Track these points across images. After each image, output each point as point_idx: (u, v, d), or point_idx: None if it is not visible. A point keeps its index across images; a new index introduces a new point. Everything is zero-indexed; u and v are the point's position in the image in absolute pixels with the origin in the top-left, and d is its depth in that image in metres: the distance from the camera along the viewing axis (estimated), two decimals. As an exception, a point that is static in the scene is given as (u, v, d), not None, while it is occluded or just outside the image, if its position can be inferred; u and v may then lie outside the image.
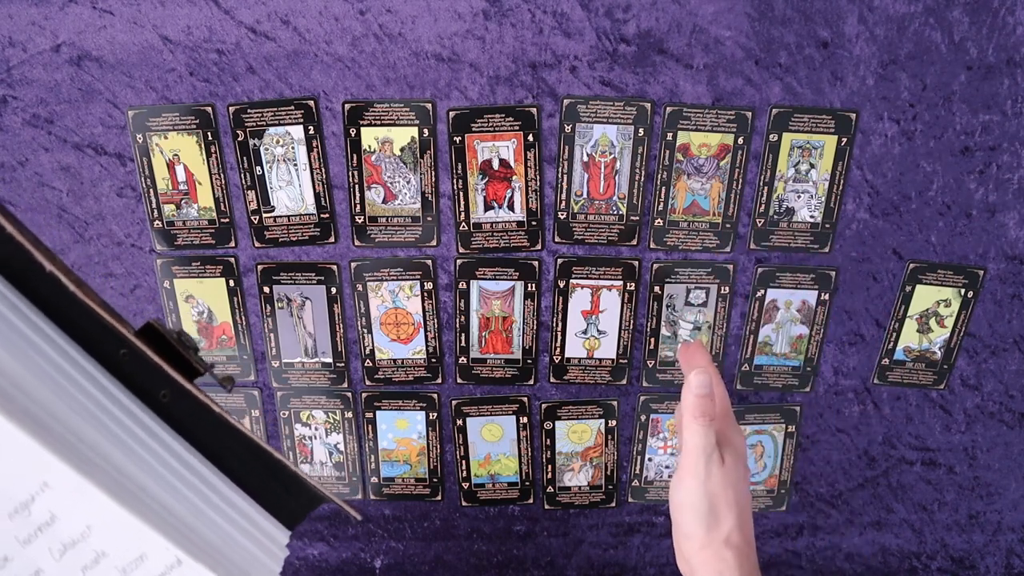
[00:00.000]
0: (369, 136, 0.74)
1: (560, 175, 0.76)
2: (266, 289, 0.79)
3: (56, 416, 0.35)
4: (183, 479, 0.39)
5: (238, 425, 0.41)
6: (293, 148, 0.75)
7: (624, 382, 0.83)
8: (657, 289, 0.80)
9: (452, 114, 0.74)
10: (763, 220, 0.78)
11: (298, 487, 0.43)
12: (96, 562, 0.36)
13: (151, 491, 0.37)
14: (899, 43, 0.72)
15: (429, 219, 0.77)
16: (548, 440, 0.85)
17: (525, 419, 0.84)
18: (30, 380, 0.34)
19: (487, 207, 0.77)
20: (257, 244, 0.78)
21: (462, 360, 0.82)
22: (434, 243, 0.78)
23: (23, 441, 0.33)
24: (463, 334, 0.81)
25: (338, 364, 0.82)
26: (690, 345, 0.68)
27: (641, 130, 0.74)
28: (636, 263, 0.79)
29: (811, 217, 0.78)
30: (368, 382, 0.83)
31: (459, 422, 0.84)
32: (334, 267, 0.78)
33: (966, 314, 0.81)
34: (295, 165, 0.75)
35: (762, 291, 0.80)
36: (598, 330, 0.81)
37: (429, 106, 0.73)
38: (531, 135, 0.74)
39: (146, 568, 0.37)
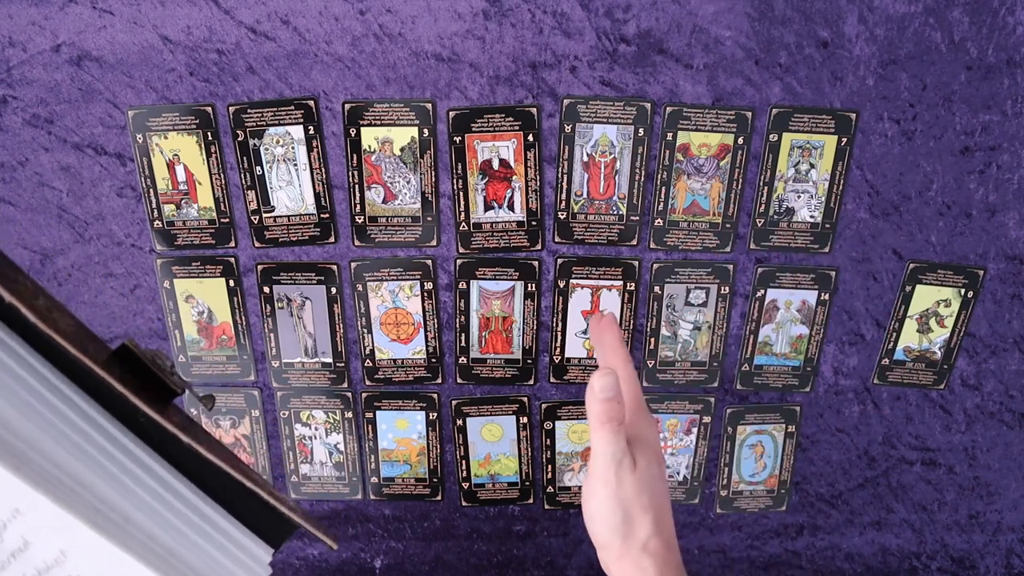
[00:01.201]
0: (369, 136, 0.74)
1: (560, 175, 0.76)
2: (266, 289, 0.79)
3: (29, 442, 0.34)
4: (164, 502, 0.38)
5: (208, 454, 0.39)
6: (293, 148, 0.75)
7: (624, 382, 0.83)
8: (657, 289, 0.80)
9: (452, 114, 0.74)
10: (763, 220, 0.78)
11: (282, 501, 0.42)
12: None
13: (130, 516, 0.37)
14: (899, 43, 0.72)
15: (429, 219, 0.77)
16: (548, 440, 0.85)
17: (525, 419, 0.84)
18: (4, 407, 0.33)
19: (487, 207, 0.77)
20: (257, 244, 0.78)
21: (462, 360, 0.82)
22: (434, 243, 0.78)
23: None
24: (463, 334, 0.81)
25: (338, 364, 0.82)
26: (601, 319, 0.60)
27: (641, 130, 0.74)
28: (636, 263, 0.79)
29: (811, 217, 0.78)
30: (368, 382, 0.83)
31: (459, 422, 0.84)
32: (334, 267, 0.78)
33: (966, 314, 0.81)
34: (295, 165, 0.75)
35: (762, 291, 0.80)
36: (598, 330, 0.81)
37: (429, 106, 0.73)
38: (531, 135, 0.74)
39: None
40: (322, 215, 0.77)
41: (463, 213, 0.77)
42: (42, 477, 0.34)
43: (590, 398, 0.51)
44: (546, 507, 0.88)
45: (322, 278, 0.79)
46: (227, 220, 0.77)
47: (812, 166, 0.76)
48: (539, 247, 0.78)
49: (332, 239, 0.78)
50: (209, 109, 0.73)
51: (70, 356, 0.34)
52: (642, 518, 0.50)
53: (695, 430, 0.86)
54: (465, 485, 0.87)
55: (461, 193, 0.76)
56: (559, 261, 0.78)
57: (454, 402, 0.84)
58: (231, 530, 0.41)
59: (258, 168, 0.75)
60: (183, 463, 0.39)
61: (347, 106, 0.73)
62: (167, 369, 0.40)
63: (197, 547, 0.39)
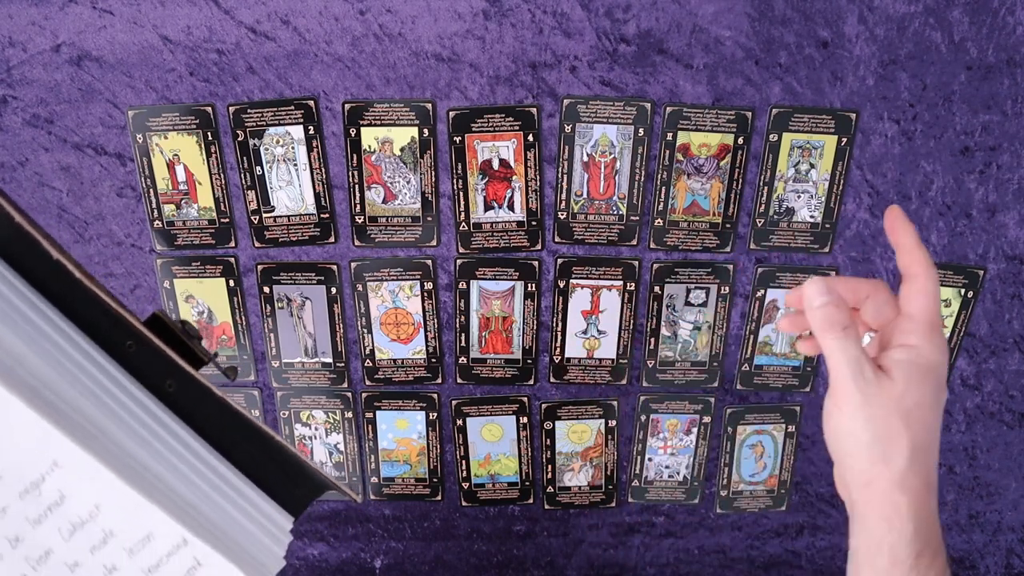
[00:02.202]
0: (369, 136, 0.74)
1: (560, 175, 0.76)
2: (266, 289, 0.79)
3: (66, 400, 0.35)
4: (189, 464, 0.40)
5: (241, 411, 0.42)
6: (293, 148, 0.75)
7: (624, 382, 0.83)
8: (657, 289, 0.80)
9: (452, 114, 0.74)
10: (763, 220, 0.78)
11: (300, 474, 0.44)
12: (104, 542, 0.37)
13: (158, 474, 0.38)
14: (899, 43, 0.72)
15: (429, 219, 0.77)
16: (548, 440, 0.85)
17: (525, 419, 0.84)
18: (41, 366, 0.35)
19: (487, 207, 0.77)
20: (257, 244, 0.78)
21: (462, 360, 0.82)
22: (434, 243, 0.78)
23: (34, 421, 0.34)
24: (463, 334, 0.81)
25: (338, 364, 0.82)
26: (889, 215, 0.51)
27: (641, 130, 0.74)
28: (636, 263, 0.79)
29: (811, 217, 0.78)
30: (368, 382, 0.83)
31: (459, 422, 0.84)
32: (334, 267, 0.78)
33: (966, 314, 0.81)
34: (295, 165, 0.75)
35: (762, 291, 0.80)
36: (598, 330, 0.81)
37: (429, 106, 0.73)
38: (531, 135, 0.74)
39: (153, 548, 0.37)
40: (322, 215, 0.77)
41: (463, 213, 0.77)
42: (81, 433, 0.35)
43: (807, 308, 0.46)
44: (546, 507, 0.88)
45: (322, 278, 0.79)
46: (227, 220, 0.77)
47: (812, 166, 0.76)
48: (539, 247, 0.78)
49: (332, 239, 0.78)
50: (209, 109, 0.73)
51: (109, 316, 0.36)
52: (897, 446, 0.44)
53: (695, 430, 0.86)
54: (465, 485, 0.87)
55: (461, 193, 0.76)
56: (559, 261, 0.78)
57: (454, 402, 0.84)
58: (254, 496, 0.42)
59: (258, 168, 0.75)
60: (205, 430, 0.41)
61: (347, 106, 0.73)
62: (195, 337, 0.41)
63: (224, 511, 0.40)
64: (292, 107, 0.73)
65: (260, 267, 0.78)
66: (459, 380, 0.83)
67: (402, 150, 0.75)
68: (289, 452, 0.43)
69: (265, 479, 0.42)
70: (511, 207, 0.77)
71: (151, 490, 0.37)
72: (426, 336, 0.81)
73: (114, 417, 0.37)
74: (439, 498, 0.88)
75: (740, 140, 0.75)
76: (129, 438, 0.37)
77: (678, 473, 0.87)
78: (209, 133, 0.74)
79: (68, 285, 0.36)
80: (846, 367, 0.44)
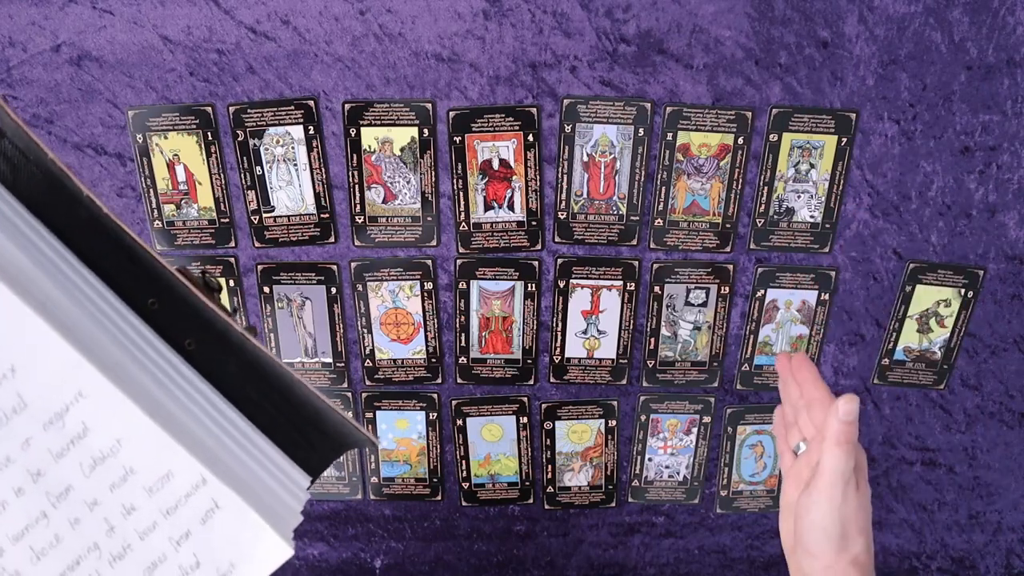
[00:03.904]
0: (369, 136, 0.74)
1: (560, 175, 0.76)
2: (266, 289, 0.79)
3: (92, 339, 0.35)
4: (210, 415, 0.40)
5: (267, 357, 0.42)
6: (293, 148, 0.75)
7: (624, 382, 0.83)
8: (657, 289, 0.80)
9: (452, 114, 0.74)
10: (763, 220, 0.78)
11: (320, 434, 0.43)
12: (124, 480, 0.37)
13: (179, 418, 0.38)
14: (899, 43, 0.72)
15: (429, 219, 0.77)
16: (548, 440, 0.85)
17: (525, 419, 0.84)
18: (70, 306, 0.35)
19: (487, 207, 0.77)
20: (257, 244, 0.78)
21: (462, 360, 0.82)
22: (434, 243, 0.78)
23: (63, 348, 0.34)
24: (463, 334, 0.81)
25: (338, 364, 0.82)
26: (795, 358, 0.64)
27: (641, 130, 0.74)
28: (636, 263, 0.79)
29: (811, 217, 0.78)
30: (368, 382, 0.83)
31: (459, 422, 0.84)
32: (334, 267, 0.78)
33: (966, 314, 0.81)
34: (295, 165, 0.75)
35: (762, 291, 0.80)
36: (598, 330, 0.81)
37: (429, 106, 0.73)
38: (531, 135, 0.74)
39: (172, 487, 0.37)
40: (322, 215, 0.77)
41: (463, 213, 0.77)
42: (106, 367, 0.35)
43: (831, 419, 0.54)
44: (546, 507, 0.88)
45: (322, 278, 0.79)
46: (227, 220, 0.77)
47: (812, 166, 0.76)
48: (539, 247, 0.78)
49: (332, 239, 0.78)
50: (209, 109, 0.73)
51: (140, 266, 0.38)
52: (858, 535, 0.54)
53: (695, 430, 0.86)
54: (465, 485, 0.87)
55: (461, 193, 0.76)
56: (559, 261, 0.78)
57: (454, 402, 0.84)
58: (273, 454, 0.42)
59: (258, 168, 0.75)
60: (225, 390, 0.41)
61: (347, 106, 0.73)
62: (217, 290, 0.42)
63: (243, 462, 0.40)
64: (292, 107, 0.73)
65: (260, 267, 0.78)
66: (459, 380, 0.83)
67: (402, 150, 0.75)
68: (313, 401, 0.43)
69: (283, 439, 0.42)
70: (511, 207, 0.77)
71: (172, 428, 0.37)
72: (426, 336, 0.81)
73: (136, 361, 0.37)
74: (439, 498, 0.88)
75: (740, 140, 0.75)
76: (151, 380, 0.37)
77: (678, 473, 0.87)
78: (209, 133, 0.74)
79: (98, 239, 0.37)
80: (841, 476, 0.53)
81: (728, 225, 0.78)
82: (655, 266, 0.79)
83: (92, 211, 0.37)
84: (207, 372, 0.40)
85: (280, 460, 0.42)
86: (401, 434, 0.85)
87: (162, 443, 0.36)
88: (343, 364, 0.82)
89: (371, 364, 0.82)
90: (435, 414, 0.84)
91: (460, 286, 0.79)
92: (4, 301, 0.33)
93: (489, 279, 0.79)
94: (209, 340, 0.40)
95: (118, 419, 0.36)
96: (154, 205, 0.76)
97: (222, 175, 0.75)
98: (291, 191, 0.76)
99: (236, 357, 0.41)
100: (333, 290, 0.79)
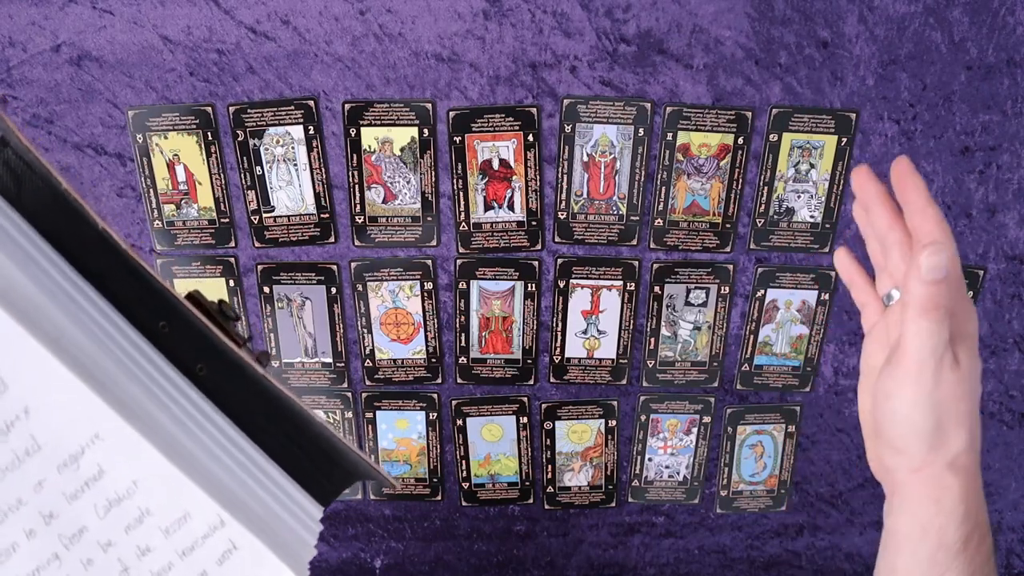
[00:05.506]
0: (369, 136, 0.74)
1: (560, 175, 0.76)
2: (266, 289, 0.79)
3: (107, 374, 0.35)
4: (223, 448, 0.39)
5: (280, 390, 0.41)
6: (293, 148, 0.75)
7: (624, 382, 0.83)
8: (657, 289, 0.80)
9: (452, 114, 0.74)
10: (763, 220, 0.78)
11: (331, 463, 0.43)
12: (140, 521, 0.36)
13: (194, 453, 0.37)
14: (899, 43, 0.72)
15: (429, 219, 0.77)
16: (548, 440, 0.85)
17: (525, 419, 0.84)
18: (83, 340, 0.34)
19: (487, 207, 0.77)
20: (257, 244, 0.78)
21: (462, 360, 0.82)
22: (434, 243, 0.78)
23: (79, 390, 0.33)
24: (463, 334, 0.81)
25: (338, 364, 0.82)
26: (895, 165, 0.43)
27: (641, 130, 0.74)
28: (636, 263, 0.79)
29: (811, 217, 0.78)
30: (368, 382, 0.83)
31: (459, 422, 0.84)
32: (334, 267, 0.78)
33: (966, 314, 0.81)
34: (295, 165, 0.75)
35: (762, 291, 0.80)
36: (598, 330, 0.81)
37: (429, 106, 0.73)
38: (531, 135, 0.74)
39: (189, 528, 0.37)
40: (322, 215, 0.77)
41: (463, 213, 0.77)
42: (122, 406, 0.35)
43: (913, 280, 0.40)
44: (546, 507, 0.88)
45: (322, 278, 0.79)
46: (227, 220, 0.77)
47: (812, 166, 0.76)
48: (539, 247, 0.78)
49: (332, 239, 0.78)
50: (209, 109, 0.73)
51: (149, 292, 0.37)
52: (957, 430, 0.42)
53: (695, 430, 0.86)
54: (465, 485, 0.87)
55: (461, 193, 0.76)
56: (559, 261, 0.78)
57: (454, 402, 0.84)
58: (286, 485, 0.41)
59: (258, 168, 0.75)
60: (237, 416, 0.40)
61: (347, 106, 0.73)
62: (232, 318, 0.41)
63: (258, 496, 0.39)
64: (292, 107, 0.73)
65: (260, 267, 0.78)
66: (459, 380, 0.83)
67: (402, 150, 0.75)
68: (327, 436, 0.42)
69: (295, 466, 0.42)
70: (511, 207, 0.77)
71: (190, 468, 0.36)
72: (426, 336, 0.81)
73: (150, 395, 0.36)
74: (439, 498, 0.88)
75: (740, 140, 0.75)
76: (166, 416, 0.37)
77: (678, 473, 0.87)
78: (209, 133, 0.74)
79: (107, 259, 0.36)
80: (930, 353, 0.41)
81: (728, 225, 0.78)
82: (655, 266, 0.79)
83: (98, 228, 0.36)
84: (218, 398, 0.40)
85: (293, 491, 0.41)
86: (401, 434, 0.85)
87: (179, 484, 0.36)
88: (343, 364, 0.82)
89: (371, 364, 0.82)
90: (435, 414, 0.84)
91: (460, 286, 0.79)
92: (17, 339, 0.33)
93: (489, 279, 0.79)
94: (220, 365, 0.40)
95: (135, 461, 0.35)
96: (154, 205, 0.76)
97: (222, 175, 0.75)
98: (291, 191, 0.76)
99: (248, 383, 0.41)
100: (333, 290, 0.79)
